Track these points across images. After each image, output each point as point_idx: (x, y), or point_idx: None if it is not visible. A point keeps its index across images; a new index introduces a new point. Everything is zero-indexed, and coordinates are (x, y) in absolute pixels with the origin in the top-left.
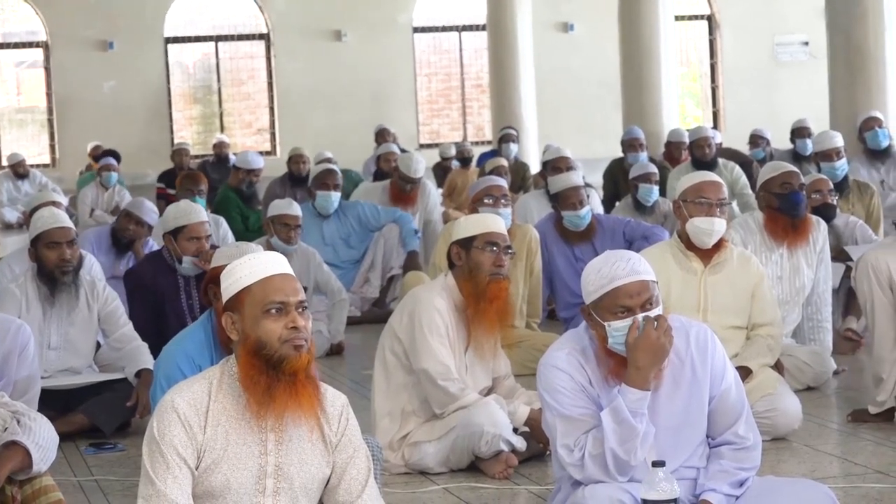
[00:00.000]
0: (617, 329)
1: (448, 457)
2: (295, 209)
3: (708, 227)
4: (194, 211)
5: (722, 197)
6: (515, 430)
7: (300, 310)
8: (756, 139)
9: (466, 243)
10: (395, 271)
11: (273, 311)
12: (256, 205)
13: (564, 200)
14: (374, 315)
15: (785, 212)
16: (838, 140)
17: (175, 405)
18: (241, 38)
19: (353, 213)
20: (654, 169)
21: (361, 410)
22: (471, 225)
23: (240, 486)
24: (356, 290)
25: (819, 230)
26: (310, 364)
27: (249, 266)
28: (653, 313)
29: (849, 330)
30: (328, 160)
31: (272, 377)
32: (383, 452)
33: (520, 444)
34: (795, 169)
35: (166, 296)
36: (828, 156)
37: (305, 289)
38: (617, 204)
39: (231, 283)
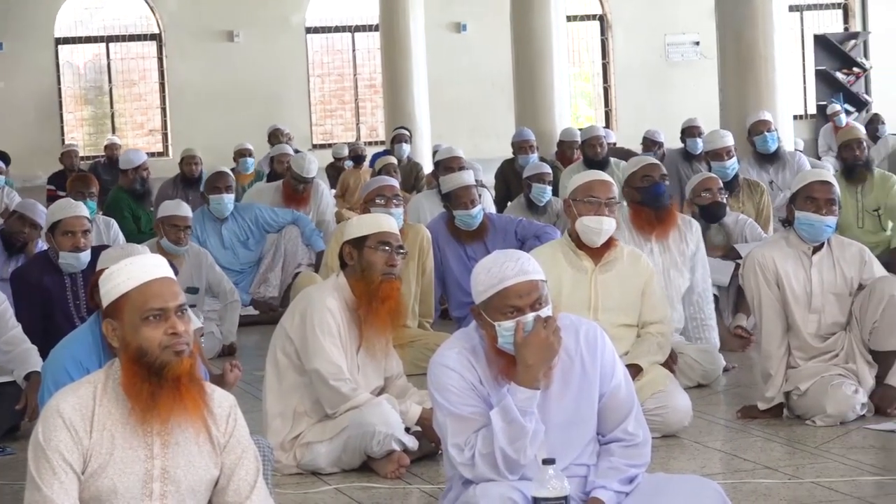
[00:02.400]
0: (506, 329)
1: (340, 457)
2: (184, 210)
3: (597, 226)
4: (70, 206)
5: (611, 196)
6: (407, 430)
7: (180, 314)
8: (648, 142)
9: (358, 243)
10: (302, 270)
11: (152, 318)
12: (150, 204)
13: (456, 200)
14: (276, 316)
15: (648, 204)
16: (728, 139)
17: (60, 410)
18: (132, 38)
19: (249, 215)
20: (547, 169)
21: (253, 411)
22: (363, 225)
23: (126, 491)
24: (254, 290)
25: (691, 230)
26: (193, 367)
27: (127, 272)
28: (542, 313)
29: (738, 327)
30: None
31: (155, 384)
32: (275, 453)
33: (411, 443)
34: (655, 161)
35: (53, 296)
36: (718, 155)
37: (197, 290)
38: (509, 204)
39: (109, 290)
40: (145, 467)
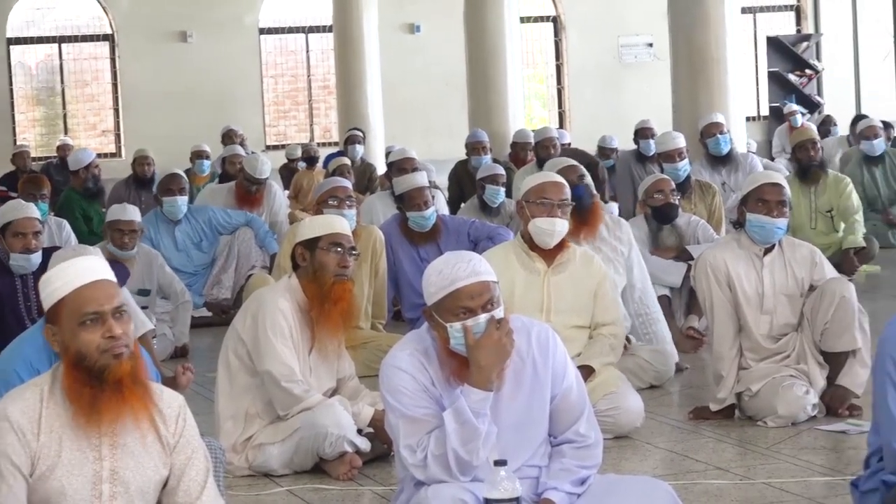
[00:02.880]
0: (458, 330)
1: (292, 458)
2: (128, 214)
3: (549, 228)
4: (20, 207)
5: (564, 198)
6: (360, 431)
7: (118, 315)
8: (605, 150)
9: (311, 244)
10: (256, 272)
11: (88, 322)
12: (103, 205)
13: (409, 201)
14: (229, 318)
15: None
16: (680, 141)
17: (7, 413)
18: (84, 39)
19: (203, 217)
20: (500, 170)
21: (205, 413)
22: (315, 226)
23: (75, 493)
24: (207, 292)
25: (621, 229)
26: (135, 369)
27: (62, 276)
28: (495, 314)
29: (690, 328)
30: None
31: (96, 388)
32: (227, 455)
33: (364, 444)
34: (572, 163)
35: (3, 298)
36: (670, 156)
37: (149, 291)
38: (462, 205)
39: (47, 295)
40: (94, 469)
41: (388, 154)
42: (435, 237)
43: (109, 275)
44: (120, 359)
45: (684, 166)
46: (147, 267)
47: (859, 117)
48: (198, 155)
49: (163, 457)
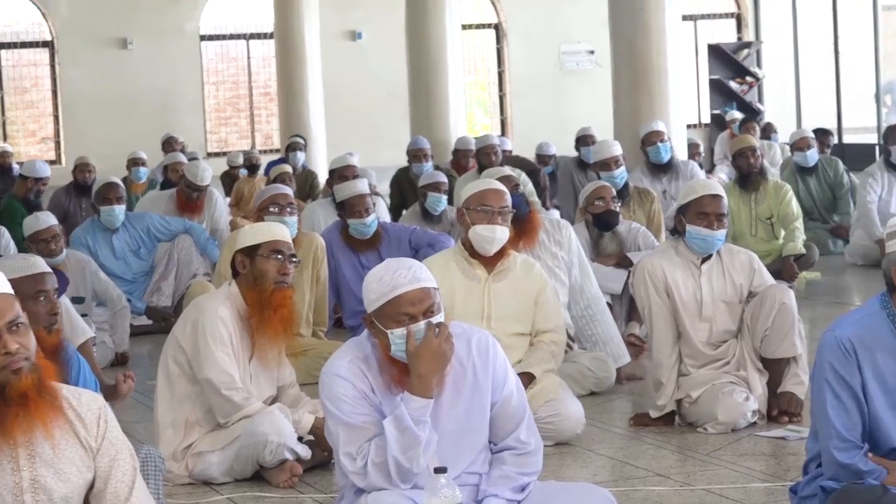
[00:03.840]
0: (399, 337)
1: (232, 466)
2: (43, 222)
3: (489, 235)
4: None
5: (504, 205)
6: (300, 439)
7: (14, 329)
8: (543, 157)
9: (251, 251)
10: (199, 279)
11: None
12: None
13: (350, 208)
14: (169, 325)
15: None
16: (616, 149)
17: None
18: (24, 45)
19: (141, 225)
20: (443, 178)
21: (145, 421)
22: (255, 233)
23: None
24: (147, 299)
25: (561, 230)
26: (41, 380)
27: None
28: (435, 320)
29: (631, 335)
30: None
31: (1, 404)
32: (166, 463)
33: (304, 452)
34: (509, 172)
35: None
36: (606, 165)
37: (83, 299)
38: (404, 212)
39: None
40: (13, 480)
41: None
42: (376, 244)
43: (6, 288)
44: (20, 374)
45: (621, 174)
46: (80, 273)
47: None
48: (134, 162)
49: (86, 460)
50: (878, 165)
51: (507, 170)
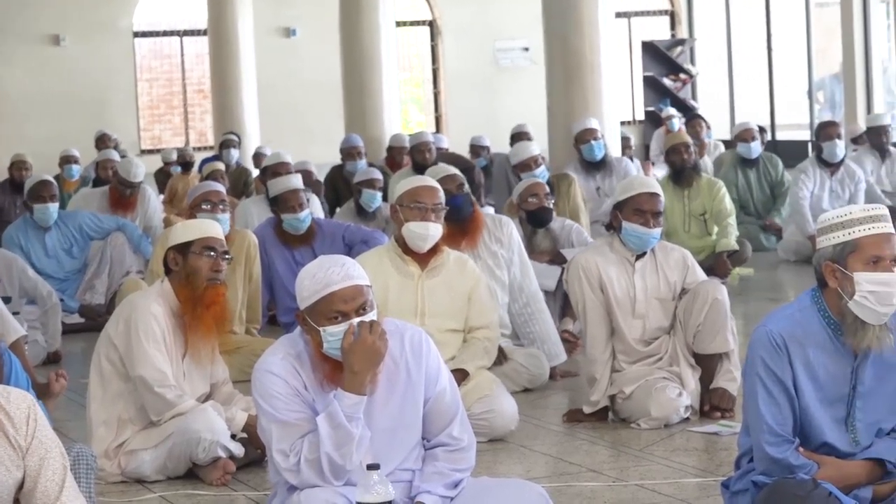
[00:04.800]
0: (332, 334)
1: (165, 464)
2: None
3: (423, 232)
4: None
5: (437, 202)
6: (233, 436)
7: None
8: (476, 148)
9: (183, 249)
10: (133, 277)
11: None
12: None
13: (284, 203)
14: (102, 323)
15: (448, 218)
16: (534, 148)
17: None
18: None
19: (73, 223)
20: (377, 175)
21: (78, 419)
22: (188, 230)
23: None
24: (80, 297)
25: (502, 228)
26: None
27: None
28: (368, 318)
29: (565, 332)
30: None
31: None
32: (99, 461)
33: (237, 450)
34: (452, 172)
35: None
36: (526, 166)
37: (10, 298)
38: (338, 209)
39: None
40: None
41: (255, 156)
42: (309, 240)
43: None
44: None
45: (542, 172)
46: (5, 271)
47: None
48: (66, 160)
49: (15, 460)
50: (811, 162)
51: (452, 169)
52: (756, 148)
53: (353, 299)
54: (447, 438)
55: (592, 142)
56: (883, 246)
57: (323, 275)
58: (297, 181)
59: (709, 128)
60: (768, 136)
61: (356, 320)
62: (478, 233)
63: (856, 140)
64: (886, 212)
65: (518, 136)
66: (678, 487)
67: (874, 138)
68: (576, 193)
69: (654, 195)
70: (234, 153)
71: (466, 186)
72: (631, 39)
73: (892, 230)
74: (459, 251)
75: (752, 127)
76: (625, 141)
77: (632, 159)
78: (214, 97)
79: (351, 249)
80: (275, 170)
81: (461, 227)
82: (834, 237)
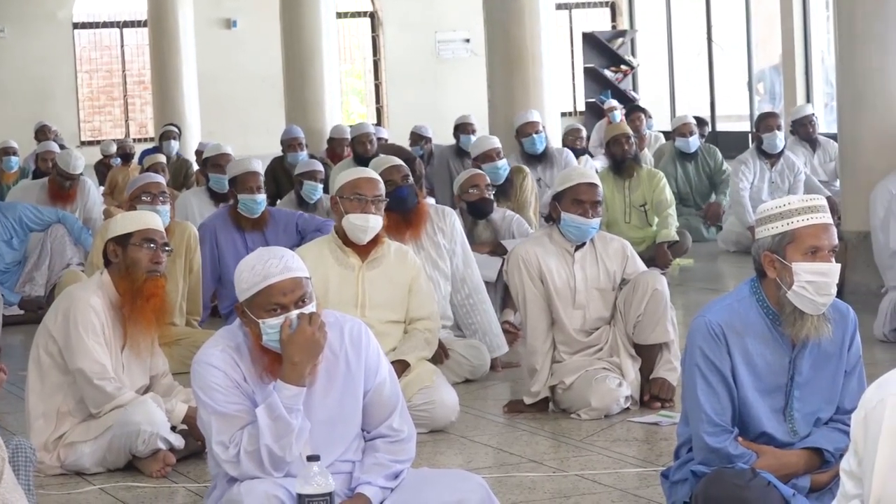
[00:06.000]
0: (271, 326)
1: (104, 456)
2: None
3: (363, 224)
4: None
5: (378, 194)
6: (173, 428)
7: None
8: (416, 137)
9: (122, 240)
10: (73, 269)
11: None
12: None
13: (241, 184)
14: (42, 315)
15: (393, 209)
16: (495, 140)
17: None
18: None
19: (13, 214)
20: (318, 166)
21: (17, 412)
22: (127, 222)
23: None
24: (20, 289)
25: (444, 219)
26: None
27: None
28: (307, 310)
29: (506, 322)
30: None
31: None
32: (37, 454)
33: (177, 441)
34: (396, 162)
35: None
36: (489, 156)
37: None
38: (279, 201)
39: None
40: None
41: (198, 152)
42: (262, 226)
43: None
44: None
45: (503, 165)
46: None
47: None
48: (4, 151)
49: None
50: (751, 153)
51: (396, 160)
52: (694, 142)
53: (292, 291)
54: (387, 430)
55: (534, 135)
56: (821, 236)
57: (262, 267)
58: (256, 164)
59: (649, 117)
60: (709, 128)
61: (294, 313)
62: (422, 224)
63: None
64: (825, 202)
65: (462, 128)
66: (618, 477)
67: (800, 130)
68: (526, 186)
69: (593, 185)
70: (175, 145)
71: (411, 178)
72: (572, 31)
73: (831, 220)
74: (403, 242)
75: (689, 121)
76: (575, 132)
77: (584, 151)
78: (155, 89)
79: (304, 238)
80: (215, 161)
81: (405, 217)
82: (773, 227)
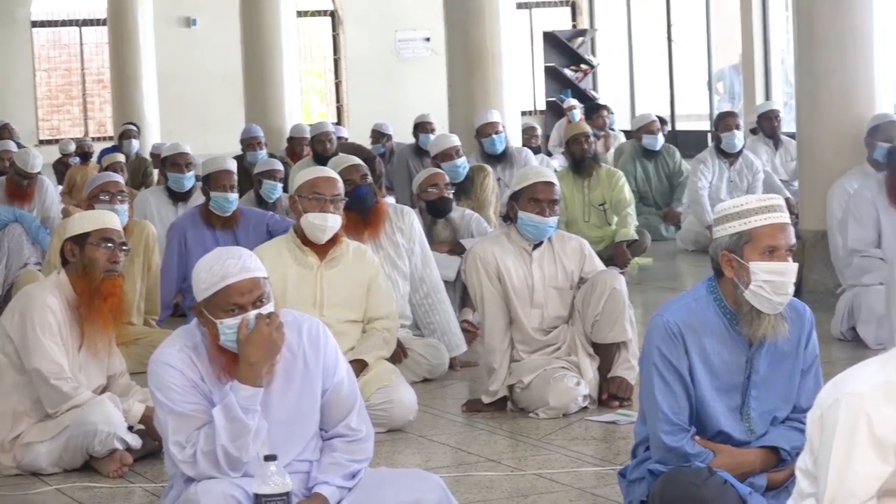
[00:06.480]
0: (229, 326)
1: (61, 456)
2: None
3: (321, 223)
4: None
5: (336, 193)
6: (130, 428)
7: None
8: (377, 134)
9: (80, 240)
10: (30, 268)
11: None
12: None
13: (215, 182)
14: None
15: (351, 208)
16: (454, 139)
17: None
18: None
19: None
20: (278, 165)
21: None
22: (85, 221)
23: None
24: None
25: (403, 218)
26: None
27: None
28: (265, 310)
29: (465, 321)
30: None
31: None
32: None
33: (134, 441)
34: (357, 161)
35: None
36: (448, 155)
37: None
38: (238, 200)
39: None
40: None
41: (153, 155)
42: (233, 225)
43: None
44: None
45: (463, 163)
46: None
47: None
48: None
49: None
50: (710, 152)
51: (355, 159)
52: (660, 140)
53: (250, 292)
54: (345, 429)
55: (494, 136)
56: (778, 236)
57: (219, 267)
58: (231, 163)
59: (611, 113)
60: (668, 127)
61: (252, 313)
62: (380, 223)
63: (754, 131)
64: (782, 202)
65: (421, 127)
66: (576, 476)
67: (765, 124)
68: (487, 185)
69: (550, 184)
70: (134, 144)
71: (370, 177)
72: (532, 30)
73: (788, 220)
74: (362, 241)
75: (655, 119)
76: (530, 130)
77: (539, 150)
78: (114, 88)
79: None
80: (173, 160)
81: (364, 217)
82: (730, 227)
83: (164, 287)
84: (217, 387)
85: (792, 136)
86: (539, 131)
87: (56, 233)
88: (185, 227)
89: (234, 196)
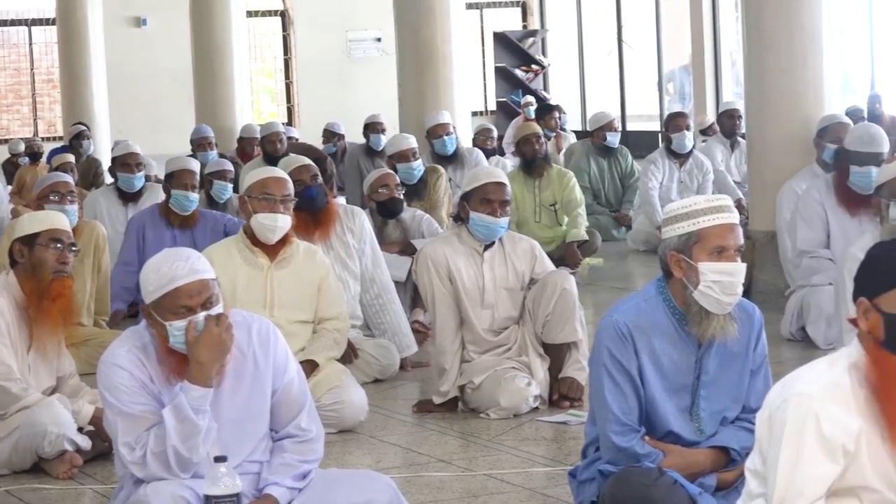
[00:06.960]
0: (178, 328)
1: (10, 458)
2: None
3: (271, 224)
4: None
5: (286, 193)
6: (80, 429)
7: None
8: (329, 134)
9: (29, 240)
10: None
11: None
12: None
13: (177, 180)
14: None
15: (302, 208)
16: (412, 140)
17: None
18: None
19: None
20: (228, 166)
21: None
22: (34, 222)
23: None
24: None
25: (353, 218)
26: None
27: None
28: (214, 311)
29: (416, 322)
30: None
31: None
32: None
33: (84, 443)
34: (307, 161)
35: None
36: (404, 156)
37: None
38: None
39: None
40: None
41: (113, 149)
42: (191, 224)
43: None
44: None
45: (419, 166)
46: None
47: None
48: None
49: None
50: (660, 153)
51: (306, 159)
52: (618, 138)
53: (199, 294)
54: (295, 430)
55: (445, 137)
56: (727, 236)
57: (168, 269)
58: (194, 164)
59: (563, 114)
60: (619, 128)
61: (201, 315)
62: (331, 224)
63: (704, 131)
64: (731, 202)
65: (371, 127)
66: (527, 477)
67: (725, 122)
68: (440, 186)
69: (501, 185)
70: (85, 144)
71: (320, 177)
72: (483, 30)
73: (737, 220)
74: (312, 242)
75: (613, 118)
76: (487, 132)
77: (494, 152)
78: (64, 87)
79: None
80: (123, 160)
81: (315, 217)
82: (679, 227)
83: (125, 277)
84: (166, 388)
85: (743, 136)
86: (494, 133)
87: (5, 233)
88: (143, 222)
89: (195, 195)
